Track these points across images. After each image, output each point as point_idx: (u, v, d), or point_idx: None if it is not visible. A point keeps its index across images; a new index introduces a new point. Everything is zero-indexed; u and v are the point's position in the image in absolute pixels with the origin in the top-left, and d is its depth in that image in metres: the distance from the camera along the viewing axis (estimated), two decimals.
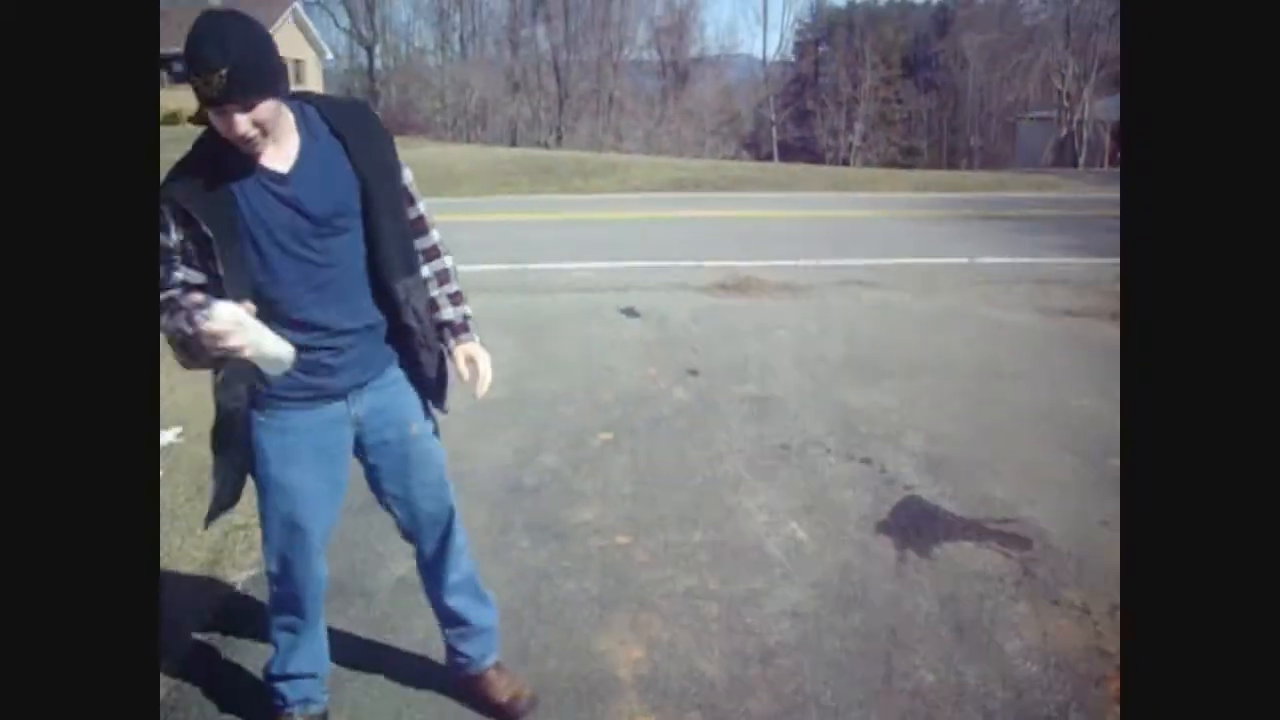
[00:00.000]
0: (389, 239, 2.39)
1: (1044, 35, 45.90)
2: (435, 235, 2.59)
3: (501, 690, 2.86)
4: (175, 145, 2.36)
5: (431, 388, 2.61)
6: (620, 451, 4.82)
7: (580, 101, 52.44)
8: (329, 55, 44.26)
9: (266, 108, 2.10)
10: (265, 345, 2.15)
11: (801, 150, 53.10)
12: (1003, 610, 3.39)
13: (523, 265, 9.59)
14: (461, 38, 54.90)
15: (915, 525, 4.02)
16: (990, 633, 3.26)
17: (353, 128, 2.35)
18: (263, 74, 2.08)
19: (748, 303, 8.21)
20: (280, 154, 2.24)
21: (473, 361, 2.57)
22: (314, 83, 40.95)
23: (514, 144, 42.80)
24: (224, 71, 1.99)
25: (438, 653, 2.99)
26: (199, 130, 2.21)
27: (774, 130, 56.75)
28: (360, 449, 2.56)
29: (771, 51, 72.97)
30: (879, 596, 3.48)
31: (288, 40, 37.53)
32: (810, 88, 61.55)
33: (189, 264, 2.23)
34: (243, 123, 2.08)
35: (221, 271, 2.19)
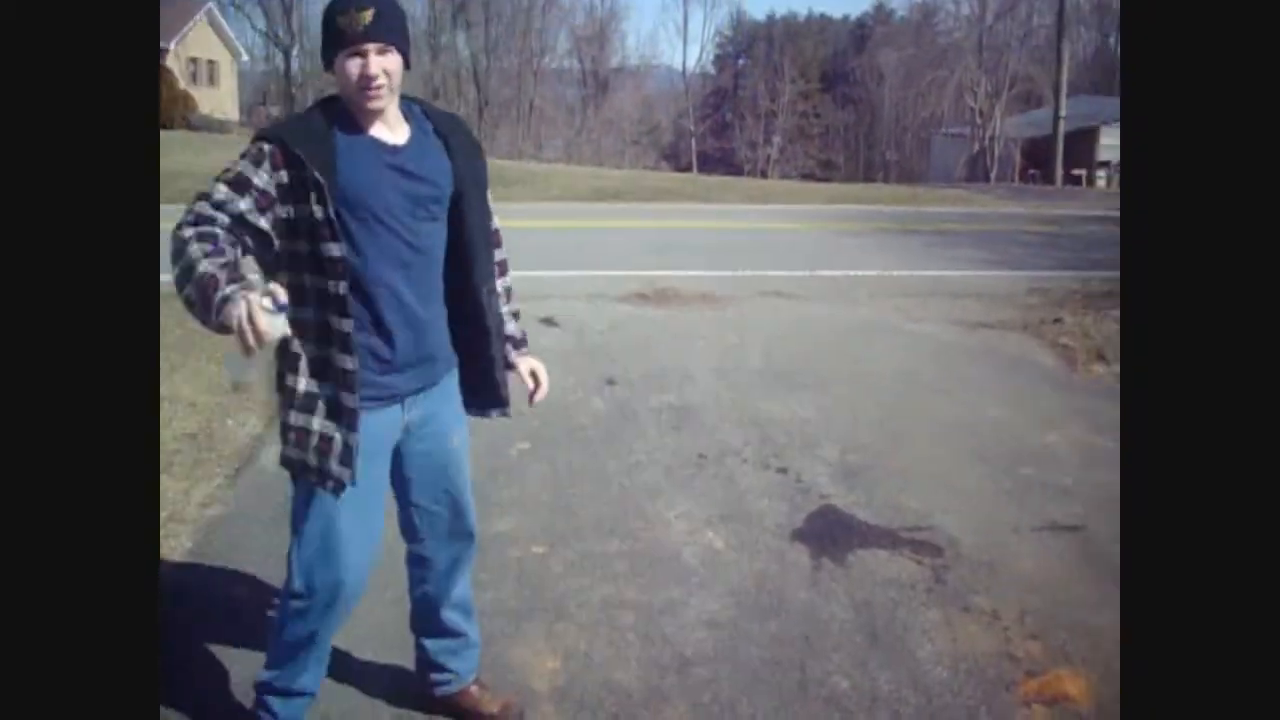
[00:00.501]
0: (478, 241, 2.49)
1: (958, 54, 46.96)
2: (504, 253, 2.69)
3: (490, 702, 2.83)
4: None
5: (493, 394, 2.63)
6: (538, 461, 4.80)
7: (500, 109, 52.30)
8: (244, 57, 43.44)
9: (397, 60, 2.23)
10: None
11: (720, 161, 53.60)
12: (915, 617, 3.44)
13: None
14: None
15: (830, 534, 4.06)
16: (903, 639, 3.30)
17: (454, 132, 2.46)
18: (402, 23, 2.27)
19: (666, 313, 8.24)
20: (392, 133, 2.33)
21: (535, 374, 2.73)
22: (229, 85, 40.14)
23: None
24: (372, 10, 2.15)
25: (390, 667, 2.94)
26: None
27: (693, 141, 57.17)
28: (398, 456, 2.53)
29: (692, 63, 73.64)
30: (794, 604, 3.51)
31: (201, 41, 36.66)
32: (730, 100, 62.19)
33: (260, 208, 2.18)
34: (376, 64, 2.18)
35: (317, 219, 2.18)
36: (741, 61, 65.78)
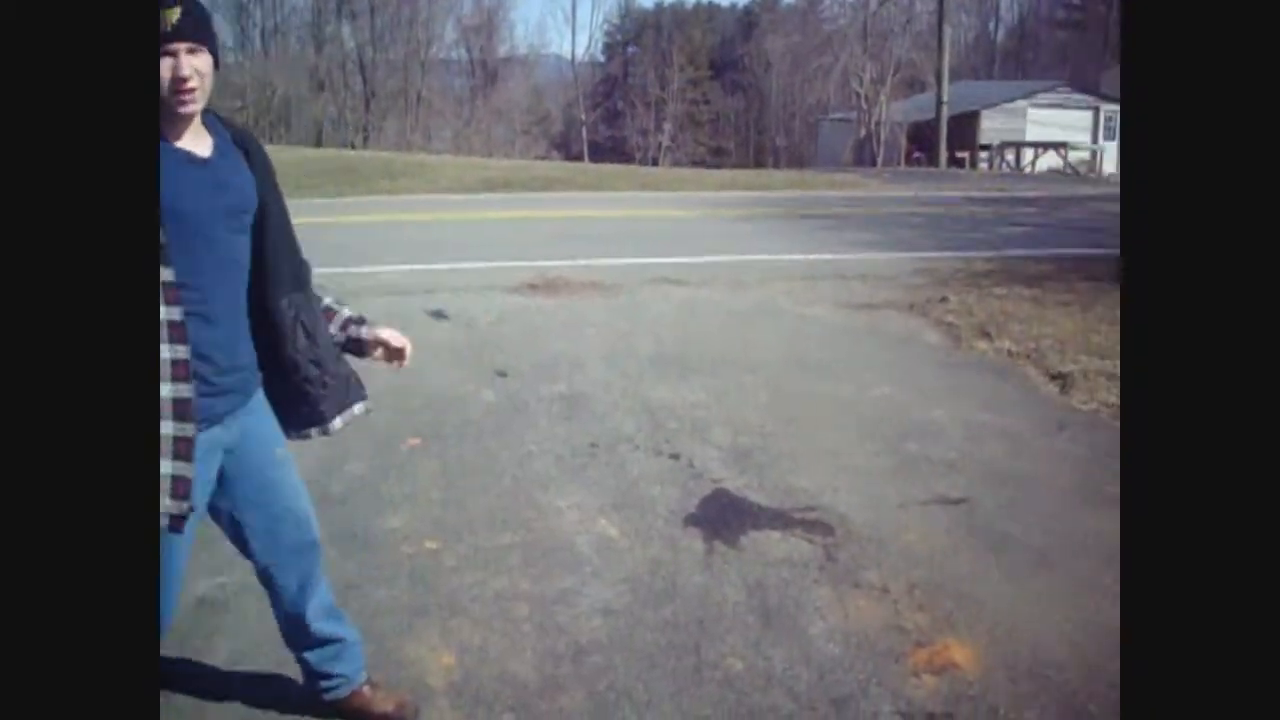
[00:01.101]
0: (281, 250, 2.38)
1: (843, 40, 47.62)
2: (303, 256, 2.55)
3: (383, 701, 2.78)
4: None
5: (310, 412, 2.52)
6: (428, 456, 4.75)
7: (387, 101, 51.54)
8: None
9: (208, 61, 2.13)
10: None
11: (612, 150, 53.64)
12: (807, 595, 3.49)
13: (329, 269, 9.31)
14: (263, 34, 53.13)
15: (723, 517, 4.09)
16: (795, 617, 3.34)
17: (248, 140, 2.37)
18: (210, 21, 2.17)
19: (557, 302, 8.21)
20: (199, 143, 2.22)
21: (388, 341, 2.70)
22: None
23: (319, 144, 41.74)
24: (179, 8, 2.03)
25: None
26: None
27: (584, 130, 57.10)
28: (223, 480, 2.37)
29: (581, 52, 73.45)
30: (688, 588, 3.53)
31: None
32: (620, 88, 62.24)
33: None
34: (188, 64, 2.07)
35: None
36: (631, 49, 65.89)
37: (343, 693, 2.77)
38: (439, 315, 7.60)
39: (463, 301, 8.09)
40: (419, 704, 2.85)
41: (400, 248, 10.93)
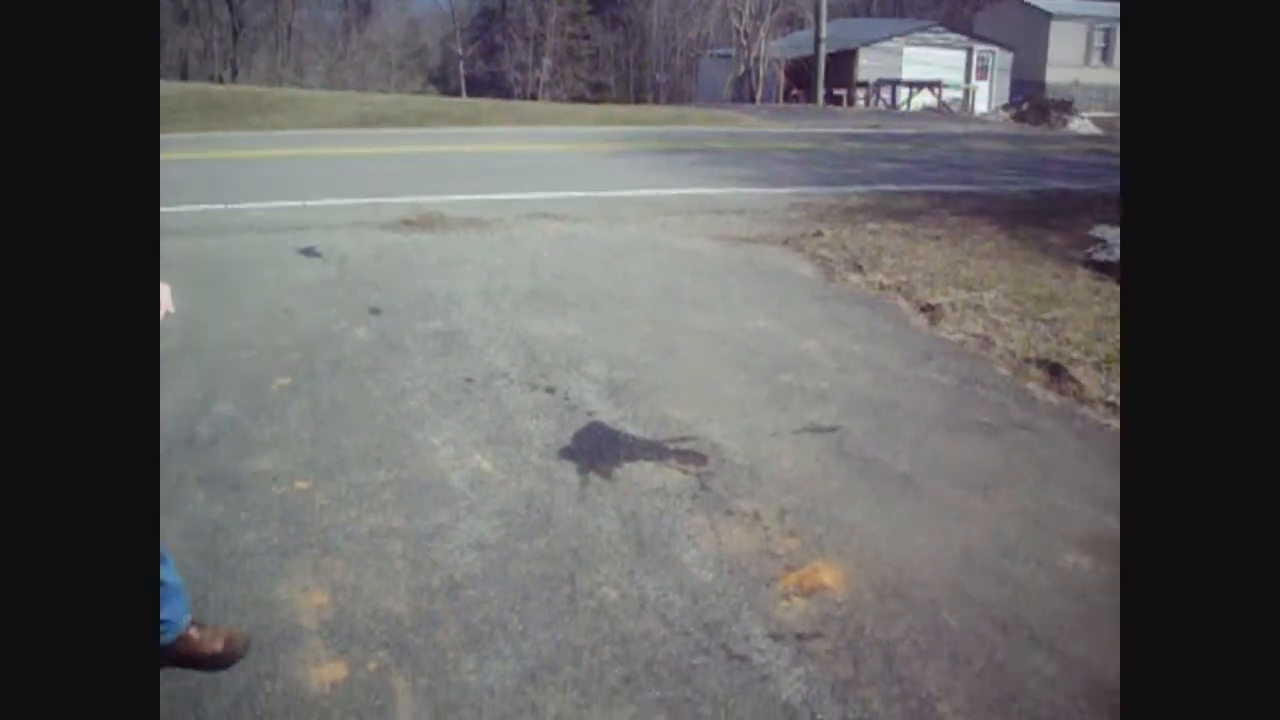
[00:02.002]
0: None
1: None
2: None
3: (211, 640, 2.72)
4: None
5: None
6: (299, 396, 4.65)
7: (256, 33, 49.75)
8: None
9: None
10: None
11: (490, 85, 52.72)
12: (680, 523, 3.53)
13: (193, 207, 9.01)
14: None
15: (598, 449, 4.10)
16: (669, 546, 3.38)
17: None
18: None
19: (433, 238, 8.08)
20: None
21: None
22: None
23: (185, 78, 40.11)
24: None
25: None
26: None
27: (461, 64, 55.94)
28: None
29: None
30: (563, 520, 3.54)
31: None
32: (498, 22, 60.96)
33: None
34: None
35: None
36: None
37: (170, 638, 2.70)
38: (310, 253, 7.41)
39: (335, 239, 7.90)
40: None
41: (270, 184, 10.62)
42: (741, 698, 2.66)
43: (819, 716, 2.60)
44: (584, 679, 2.72)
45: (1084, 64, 37.62)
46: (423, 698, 2.64)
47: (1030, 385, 5.02)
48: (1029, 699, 2.70)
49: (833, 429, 4.36)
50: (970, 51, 38.03)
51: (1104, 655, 2.88)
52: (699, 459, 4.02)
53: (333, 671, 2.74)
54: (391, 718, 2.57)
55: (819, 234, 8.37)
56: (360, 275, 6.82)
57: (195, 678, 2.68)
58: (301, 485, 3.78)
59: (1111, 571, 3.31)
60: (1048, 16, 37.62)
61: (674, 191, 10.55)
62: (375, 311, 5.95)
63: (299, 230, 8.17)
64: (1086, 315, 6.06)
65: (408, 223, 8.59)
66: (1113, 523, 3.62)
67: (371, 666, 2.76)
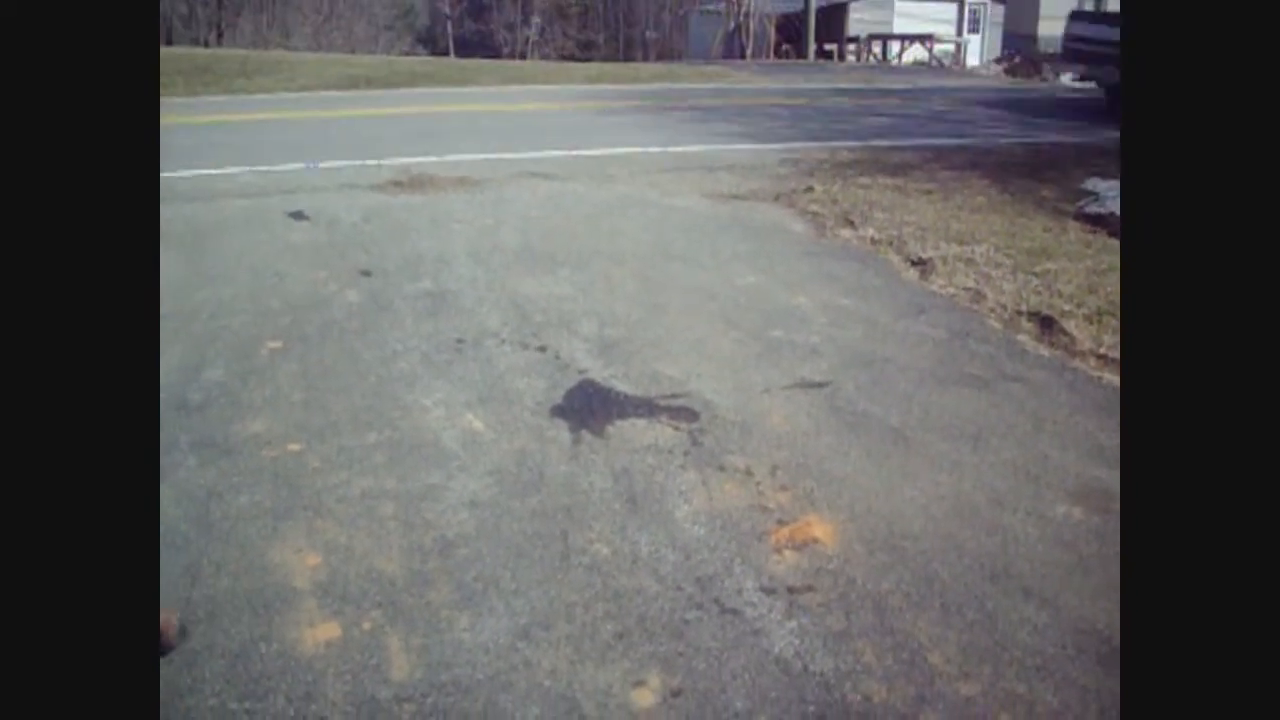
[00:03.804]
0: None
1: None
2: None
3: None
4: None
5: None
6: (289, 360, 4.63)
7: None
8: None
9: None
10: None
11: (478, 45, 52.35)
12: (672, 480, 3.54)
13: (181, 172, 8.94)
14: None
15: (589, 407, 4.10)
16: (660, 502, 3.39)
17: None
18: None
19: (423, 199, 8.03)
20: None
21: None
22: None
23: (170, 43, 39.69)
24: None
25: None
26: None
27: (449, 25, 55.48)
28: None
29: None
30: (555, 478, 3.54)
31: None
32: None
33: None
34: None
35: None
36: None
37: None
38: (299, 216, 7.36)
39: (324, 201, 7.86)
40: (279, 604, 2.83)
41: (257, 148, 10.53)
42: (734, 651, 2.68)
43: (811, 668, 2.62)
44: (577, 635, 2.74)
45: None
46: (416, 656, 2.65)
47: (1021, 338, 5.03)
48: (1019, 648, 2.72)
49: (824, 384, 4.36)
50: (962, 5, 37.72)
51: (1093, 604, 2.90)
52: (690, 415, 4.03)
53: (327, 632, 2.75)
54: (386, 676, 2.58)
55: (810, 189, 8.34)
56: (350, 237, 6.79)
57: (189, 642, 2.69)
58: (293, 448, 3.77)
59: (1102, 522, 3.33)
60: None
61: (664, 149, 10.49)
62: (365, 273, 5.93)
63: (287, 194, 8.12)
64: (1078, 268, 6.06)
65: (397, 184, 8.54)
66: (1103, 474, 3.64)
67: (365, 626, 2.77)
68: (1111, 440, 3.91)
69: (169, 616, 2.75)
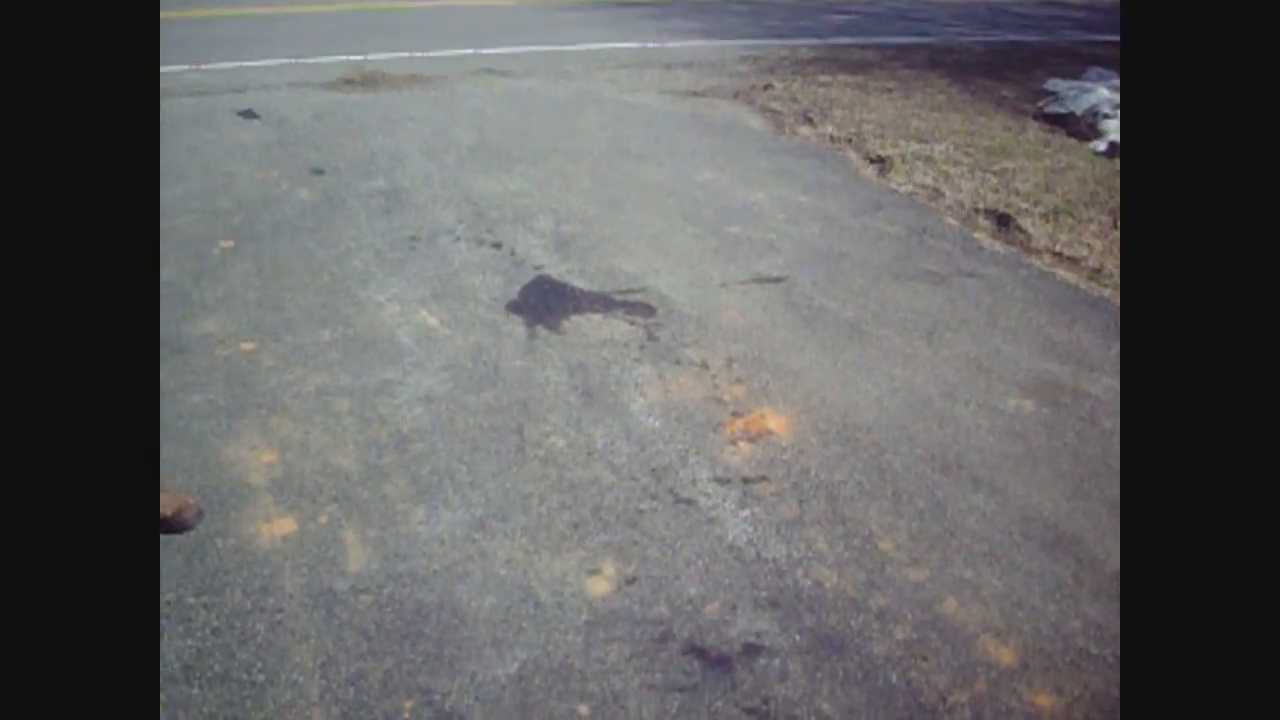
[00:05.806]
0: None
1: None
2: None
3: (164, 505, 2.71)
4: None
5: None
6: (242, 259, 4.56)
7: None
8: None
9: None
10: None
11: None
12: (628, 374, 3.54)
13: None
14: None
15: (545, 303, 4.08)
16: (616, 395, 3.40)
17: None
18: None
19: (375, 97, 7.86)
20: None
21: None
22: None
23: None
24: None
25: None
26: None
27: None
28: None
29: None
30: (510, 373, 3.54)
31: None
32: None
33: None
34: None
35: None
36: None
37: None
38: (249, 115, 7.19)
39: (275, 100, 7.66)
40: (234, 500, 2.83)
41: (201, 45, 10.24)
42: (688, 540, 2.72)
43: (764, 556, 2.66)
44: (533, 526, 2.76)
45: None
46: (372, 548, 2.67)
47: (978, 235, 5.04)
48: (967, 535, 2.78)
49: (780, 279, 4.36)
50: None
51: (1040, 493, 2.96)
52: (647, 310, 4.02)
53: (283, 526, 2.76)
54: (342, 569, 2.60)
55: (769, 87, 8.24)
56: (301, 136, 6.64)
57: None
58: (247, 347, 3.74)
59: (1051, 414, 3.38)
60: None
61: (621, 45, 10.30)
62: (318, 172, 5.82)
63: (236, 92, 7.91)
64: (1036, 167, 6.06)
65: (348, 81, 8.34)
66: (1054, 367, 3.68)
67: (321, 520, 2.78)
68: (1063, 335, 3.95)
69: (188, 500, 2.77)
